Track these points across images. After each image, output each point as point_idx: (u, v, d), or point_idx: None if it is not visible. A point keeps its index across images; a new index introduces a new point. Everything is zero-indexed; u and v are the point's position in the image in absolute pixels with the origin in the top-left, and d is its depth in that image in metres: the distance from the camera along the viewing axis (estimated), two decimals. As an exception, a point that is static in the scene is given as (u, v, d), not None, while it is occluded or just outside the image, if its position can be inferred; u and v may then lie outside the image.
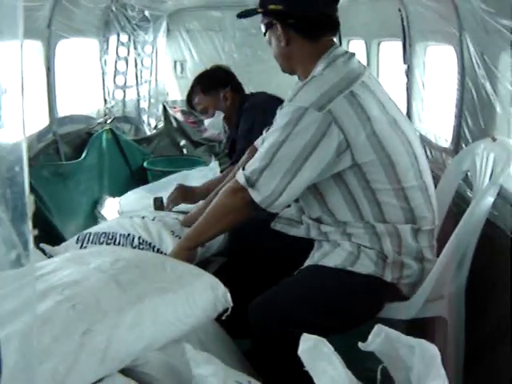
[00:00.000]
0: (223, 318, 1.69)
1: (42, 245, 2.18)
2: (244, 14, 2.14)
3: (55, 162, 3.65)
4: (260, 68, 5.59)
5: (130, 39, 4.90)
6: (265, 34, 2.05)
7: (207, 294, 1.65)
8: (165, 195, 3.53)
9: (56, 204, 3.40)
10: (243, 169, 1.89)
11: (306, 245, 2.09)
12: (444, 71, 3.10)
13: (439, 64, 3.28)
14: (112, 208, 3.96)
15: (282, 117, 1.85)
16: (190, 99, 3.11)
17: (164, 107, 5.81)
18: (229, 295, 1.69)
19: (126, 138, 4.95)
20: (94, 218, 3.96)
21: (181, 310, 1.56)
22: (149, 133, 5.51)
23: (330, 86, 1.82)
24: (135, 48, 5.02)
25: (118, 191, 4.30)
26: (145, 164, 4.89)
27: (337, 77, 1.86)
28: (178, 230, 2.34)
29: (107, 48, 4.59)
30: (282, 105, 1.91)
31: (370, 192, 1.87)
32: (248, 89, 5.62)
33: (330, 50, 1.95)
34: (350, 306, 1.89)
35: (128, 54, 4.94)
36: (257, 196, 1.83)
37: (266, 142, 1.87)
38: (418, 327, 1.93)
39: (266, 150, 1.84)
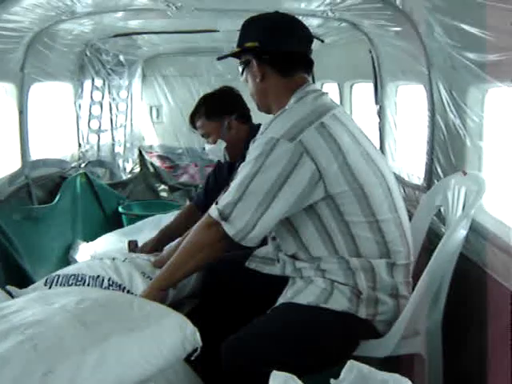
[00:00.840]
0: (192, 358, 1.64)
1: (8, 287, 2.11)
2: (224, 57, 2.20)
3: (27, 206, 3.58)
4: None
5: (104, 83, 4.90)
6: (242, 74, 2.09)
7: (175, 334, 1.61)
8: (140, 238, 3.50)
9: (27, 248, 3.33)
10: (216, 203, 1.86)
11: (281, 283, 2.05)
12: (415, 110, 3.12)
13: (410, 103, 3.31)
14: (85, 252, 3.89)
15: (254, 149, 1.84)
16: (193, 120, 2.90)
17: (140, 152, 5.81)
18: (198, 334, 1.65)
19: (100, 182, 4.90)
20: (66, 262, 3.85)
21: (147, 349, 1.51)
22: (124, 177, 5.47)
23: (301, 118, 1.83)
24: (110, 92, 5.01)
25: (92, 235, 4.24)
26: (119, 208, 4.84)
27: (307, 109, 1.89)
28: (148, 271, 2.30)
29: (82, 92, 4.57)
30: (254, 139, 1.90)
31: (343, 225, 1.84)
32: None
33: (302, 86, 1.98)
34: (324, 345, 1.84)
35: (102, 99, 4.93)
36: (230, 229, 1.81)
37: (239, 175, 1.86)
38: (394, 365, 1.88)
39: (238, 182, 1.82)
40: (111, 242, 3.89)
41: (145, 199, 5.50)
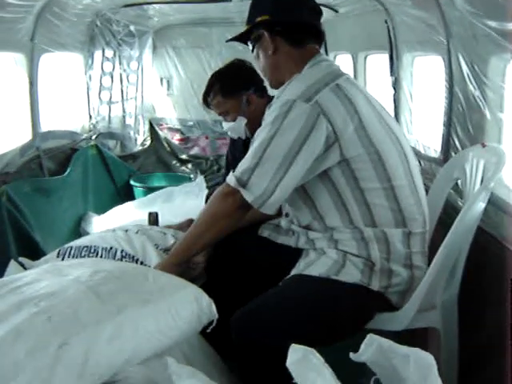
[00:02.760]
0: (208, 330, 1.62)
1: (20, 258, 2.10)
2: (234, 39, 2.16)
3: (38, 178, 3.57)
4: (247, 84, 5.53)
5: (115, 54, 4.84)
6: (252, 51, 2.06)
7: (191, 306, 1.58)
8: (151, 210, 3.49)
9: (39, 220, 3.33)
10: (233, 171, 1.84)
11: (294, 254, 2.03)
12: (432, 81, 3.06)
13: (427, 74, 3.25)
14: (97, 225, 3.88)
15: (270, 114, 1.82)
16: (206, 98, 2.78)
17: (151, 124, 5.76)
18: (214, 306, 1.63)
19: (111, 154, 4.88)
20: (78, 234, 3.87)
21: (163, 322, 1.49)
22: (135, 149, 5.44)
23: (316, 80, 1.83)
24: (120, 63, 4.96)
25: (103, 208, 4.25)
26: (131, 181, 4.82)
27: (322, 73, 1.89)
28: (162, 243, 2.28)
29: (92, 63, 4.52)
30: (269, 105, 1.87)
31: (358, 192, 1.82)
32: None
33: (315, 56, 1.97)
34: (336, 317, 1.82)
35: (113, 70, 4.87)
36: (249, 196, 1.78)
37: (255, 141, 1.83)
38: (409, 338, 1.86)
39: (256, 148, 1.80)
40: (123, 215, 3.88)
41: (156, 172, 5.47)
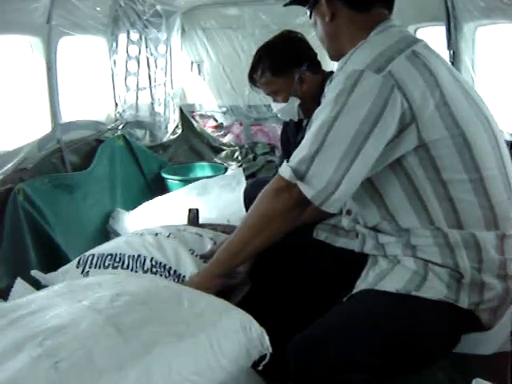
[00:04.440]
0: (259, 367, 1.29)
1: (33, 272, 1.79)
2: (291, 2, 1.86)
3: (60, 173, 3.26)
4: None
5: (141, 37, 4.48)
6: (310, 17, 1.73)
7: (238, 338, 1.26)
8: (186, 205, 3.17)
9: (60, 220, 3.03)
10: (287, 161, 1.49)
11: (356, 259, 1.70)
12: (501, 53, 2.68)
13: (493, 46, 2.86)
14: (126, 222, 3.57)
15: (331, 89, 1.46)
16: (252, 76, 2.44)
17: (181, 111, 5.42)
18: (266, 337, 1.30)
19: (140, 144, 4.53)
20: (105, 233, 3.57)
21: (203, 361, 1.17)
22: (165, 139, 5.10)
23: (388, 46, 1.47)
24: (147, 47, 4.59)
25: (133, 203, 3.94)
26: (162, 172, 4.49)
27: (394, 38, 1.52)
28: (198, 248, 1.95)
29: (116, 47, 4.17)
30: (329, 79, 1.51)
31: (440, 186, 1.45)
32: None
33: (383, 22, 1.59)
34: (418, 343, 1.44)
35: (139, 54, 4.52)
36: (308, 190, 1.42)
37: (314, 122, 1.47)
38: (499, 363, 1.51)
39: (315, 131, 1.44)
40: (155, 210, 3.57)
41: (188, 162, 5.14)
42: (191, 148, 5.46)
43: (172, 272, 1.81)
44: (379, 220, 1.58)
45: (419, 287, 1.46)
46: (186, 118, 5.46)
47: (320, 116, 1.45)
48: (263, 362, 1.29)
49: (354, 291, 1.59)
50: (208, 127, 5.65)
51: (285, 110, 2.46)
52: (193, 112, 5.61)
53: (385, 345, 1.43)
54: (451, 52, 3.12)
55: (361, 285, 1.59)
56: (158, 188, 4.40)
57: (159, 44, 4.76)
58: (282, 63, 2.37)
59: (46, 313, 1.23)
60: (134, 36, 4.40)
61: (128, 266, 1.84)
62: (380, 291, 1.49)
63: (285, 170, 1.47)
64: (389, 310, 1.47)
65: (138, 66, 4.51)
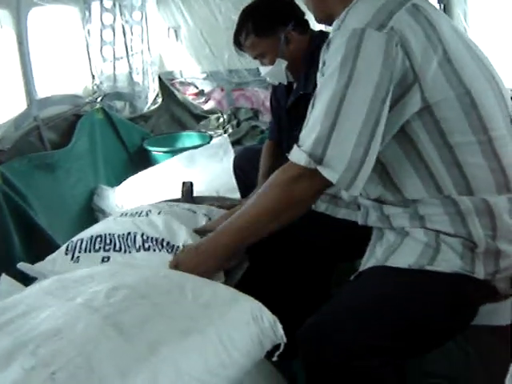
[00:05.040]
0: (274, 358, 1.18)
1: (20, 264, 1.66)
2: None
3: (39, 152, 3.10)
4: (262, 28, 5.00)
5: (114, 4, 4.26)
6: None
7: (249, 329, 1.15)
8: (174, 178, 3.05)
9: (43, 202, 2.89)
10: (298, 145, 1.34)
11: (359, 229, 1.61)
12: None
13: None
14: (112, 198, 3.44)
15: (332, 55, 1.31)
16: (238, 39, 2.32)
17: (160, 79, 5.23)
18: (279, 326, 1.19)
19: (120, 117, 4.35)
20: (90, 212, 3.44)
21: (213, 358, 1.06)
22: (145, 109, 4.92)
23: (386, 1, 1.31)
24: (122, 14, 4.38)
25: (116, 178, 3.81)
26: (144, 144, 4.33)
27: None
28: (191, 224, 1.83)
29: (90, 15, 3.97)
30: (326, 43, 1.36)
31: (447, 150, 1.33)
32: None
33: None
34: (434, 320, 1.35)
35: (114, 22, 4.31)
36: (332, 174, 1.28)
37: (319, 96, 1.33)
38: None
39: (324, 106, 1.29)
40: (141, 185, 3.44)
41: (170, 132, 4.98)
42: (172, 117, 5.31)
43: (165, 243, 1.68)
44: (382, 191, 1.46)
45: (432, 260, 1.35)
46: (165, 86, 5.29)
47: (326, 88, 1.30)
48: (277, 353, 1.18)
49: (362, 268, 1.49)
50: (188, 95, 5.48)
51: (272, 72, 2.33)
52: (172, 80, 5.43)
53: (400, 325, 1.33)
54: (442, 6, 2.97)
55: (369, 261, 1.49)
56: (141, 161, 4.25)
57: (134, 10, 4.56)
58: (265, 23, 2.24)
59: (37, 314, 1.11)
60: (108, 3, 4.19)
61: (120, 248, 1.70)
62: (391, 268, 1.39)
63: (299, 156, 1.32)
64: (403, 287, 1.37)
65: (114, 34, 4.32)
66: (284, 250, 1.85)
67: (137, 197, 3.30)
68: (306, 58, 2.28)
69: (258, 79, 5.20)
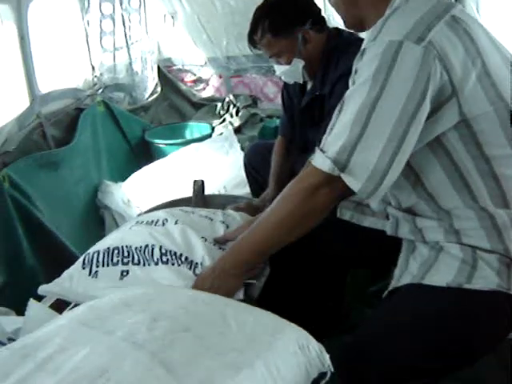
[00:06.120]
0: (321, 385, 1.15)
1: (40, 290, 1.61)
2: None
3: (43, 150, 3.03)
4: (261, 14, 4.89)
5: (114, -8, 4.17)
6: None
7: (297, 360, 1.11)
8: (180, 173, 3.00)
9: (49, 201, 2.84)
10: (322, 151, 1.31)
11: (385, 239, 1.58)
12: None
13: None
14: (116, 195, 3.37)
15: (366, 64, 1.28)
16: (252, 37, 2.26)
17: (158, 68, 5.12)
18: (326, 355, 1.15)
19: (121, 108, 4.26)
20: (95, 208, 3.39)
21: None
22: (145, 99, 4.82)
23: (425, 12, 1.29)
24: (121, 3, 4.26)
25: (119, 173, 3.75)
26: (146, 136, 4.26)
27: (428, 3, 1.32)
28: (209, 234, 1.77)
29: (89, 6, 3.87)
30: (362, 51, 1.32)
31: (483, 162, 1.31)
32: (248, 38, 5.06)
33: None
34: (473, 339, 1.33)
35: (114, 11, 4.20)
36: (355, 182, 1.26)
37: (348, 103, 1.30)
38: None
39: (354, 114, 1.26)
40: (146, 181, 3.38)
41: (169, 121, 4.89)
42: (170, 105, 5.20)
43: (183, 259, 1.64)
44: (416, 200, 1.44)
45: (470, 278, 1.33)
46: (164, 74, 5.18)
47: (357, 96, 1.27)
48: (323, 382, 1.15)
49: (396, 283, 1.46)
50: (186, 82, 5.37)
51: (289, 72, 2.28)
52: (169, 67, 5.30)
53: (441, 346, 1.32)
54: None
55: (404, 276, 1.46)
56: (143, 153, 4.20)
57: (132, -2, 4.44)
58: (282, 22, 2.18)
59: (77, 350, 1.05)
60: (107, -8, 4.08)
61: (139, 261, 1.65)
62: (429, 286, 1.37)
63: (322, 162, 1.30)
64: (442, 308, 1.35)
65: (114, 24, 4.20)
66: (300, 257, 1.81)
67: (144, 192, 3.25)
68: (322, 58, 2.23)
69: (257, 65, 5.12)
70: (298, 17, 2.19)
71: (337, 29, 2.29)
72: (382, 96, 1.23)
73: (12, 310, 1.82)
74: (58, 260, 2.62)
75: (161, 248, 1.66)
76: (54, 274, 2.51)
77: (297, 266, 1.82)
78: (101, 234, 3.27)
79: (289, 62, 2.23)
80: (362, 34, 1.67)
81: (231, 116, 5.00)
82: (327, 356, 1.14)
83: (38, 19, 3.17)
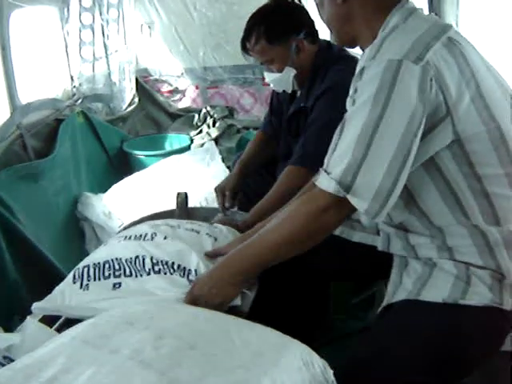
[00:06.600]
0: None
1: (34, 308, 1.58)
2: None
3: (23, 161, 2.99)
4: (238, 25, 4.83)
5: (94, 3, 4.12)
6: None
7: (302, 376, 1.12)
8: (161, 186, 2.98)
9: (29, 213, 2.79)
10: (326, 172, 1.32)
11: (375, 253, 1.62)
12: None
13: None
14: (96, 207, 3.34)
15: (367, 84, 1.29)
16: (245, 43, 2.29)
17: (136, 78, 5.08)
18: (330, 371, 1.16)
19: (100, 119, 4.24)
20: (75, 220, 3.35)
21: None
22: (123, 110, 4.78)
23: (423, 32, 1.32)
24: (101, 13, 4.22)
25: (98, 184, 3.73)
26: (124, 147, 4.23)
27: (426, 23, 1.37)
28: (198, 248, 1.76)
29: (68, 15, 3.84)
30: (360, 69, 1.34)
31: (475, 180, 1.34)
32: (225, 50, 5.06)
33: (400, 3, 1.43)
34: (469, 352, 1.37)
35: (94, 21, 4.16)
36: (361, 203, 1.28)
37: (349, 123, 1.31)
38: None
39: (356, 134, 1.28)
40: (127, 193, 3.36)
41: (145, 132, 4.89)
42: (147, 116, 5.19)
43: (176, 267, 1.63)
44: (407, 216, 1.46)
45: (464, 294, 1.36)
46: (141, 85, 5.16)
47: (358, 116, 1.29)
48: (327, 397, 1.16)
49: (391, 299, 1.48)
50: (162, 92, 5.36)
51: (279, 80, 2.31)
52: (146, 77, 5.29)
53: (439, 360, 1.34)
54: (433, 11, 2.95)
55: (398, 292, 1.48)
56: (121, 164, 4.19)
57: (110, 8, 4.41)
58: (278, 29, 2.22)
59: (82, 370, 1.04)
60: (87, 2, 4.04)
61: (131, 273, 1.63)
62: (425, 302, 1.39)
63: (327, 184, 1.31)
64: (439, 323, 1.37)
65: (93, 35, 4.17)
66: (284, 269, 1.80)
67: (125, 204, 3.22)
68: (311, 70, 2.26)
69: (234, 77, 5.14)
70: (294, 25, 2.22)
71: (328, 42, 2.32)
72: (384, 116, 1.25)
73: (-2, 325, 1.80)
74: (40, 273, 2.60)
75: (152, 258, 1.66)
76: (36, 288, 2.49)
77: (280, 277, 1.82)
78: (81, 246, 3.25)
79: (280, 70, 2.26)
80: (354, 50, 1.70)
81: (208, 127, 4.99)
82: (331, 372, 1.15)
83: (17, 29, 3.13)
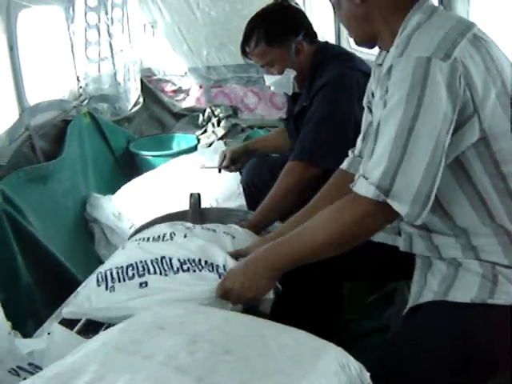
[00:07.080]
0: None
1: (64, 312, 1.58)
2: None
3: (32, 163, 2.98)
4: (241, 24, 4.81)
5: (99, 2, 4.10)
6: None
7: (339, 379, 1.09)
8: (169, 186, 2.95)
9: (39, 215, 2.79)
10: (364, 177, 1.30)
11: (397, 254, 1.60)
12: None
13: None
14: (106, 208, 3.31)
15: (397, 83, 1.27)
16: (244, 47, 2.29)
17: (141, 79, 5.05)
18: (367, 374, 1.13)
19: (106, 120, 4.21)
20: (84, 222, 3.33)
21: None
22: (129, 110, 4.77)
23: (449, 29, 1.29)
24: (106, 13, 4.20)
25: (105, 185, 3.72)
26: (131, 148, 4.21)
27: (450, 21, 1.34)
28: (216, 243, 1.76)
29: (74, 15, 3.82)
30: (388, 68, 1.32)
31: (500, 180, 1.33)
32: (228, 49, 5.03)
33: (419, 1, 1.40)
34: (498, 353, 1.34)
35: (99, 21, 4.14)
36: (401, 207, 1.25)
37: (384, 126, 1.29)
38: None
39: (392, 137, 1.25)
40: (137, 193, 3.33)
41: (149, 132, 4.87)
42: (151, 116, 5.17)
43: (203, 263, 1.62)
44: (430, 217, 1.42)
45: (492, 294, 1.35)
46: (145, 85, 5.14)
47: (392, 118, 1.26)
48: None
49: (416, 300, 1.46)
50: (166, 92, 5.34)
51: (279, 82, 2.31)
52: (149, 77, 5.26)
53: (470, 361, 1.33)
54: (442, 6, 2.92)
55: (424, 293, 1.46)
56: (128, 164, 4.17)
57: (115, 8, 4.38)
58: (278, 31, 2.22)
59: (117, 378, 1.00)
60: (92, 2, 4.02)
61: (155, 272, 1.62)
62: (454, 303, 1.38)
63: (366, 188, 1.29)
64: (471, 323, 1.35)
65: (99, 34, 4.14)
66: (299, 270, 1.81)
67: (135, 205, 3.19)
68: (310, 70, 2.27)
69: (237, 76, 5.12)
70: (292, 27, 2.24)
71: (326, 42, 2.36)
72: (418, 116, 1.23)
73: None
74: (51, 276, 2.58)
75: (179, 259, 1.64)
76: (48, 290, 2.46)
77: (295, 278, 1.80)
78: (90, 248, 3.22)
79: (281, 72, 2.27)
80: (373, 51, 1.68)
81: (213, 126, 4.97)
82: (367, 375, 1.13)
83: (24, 29, 3.10)
